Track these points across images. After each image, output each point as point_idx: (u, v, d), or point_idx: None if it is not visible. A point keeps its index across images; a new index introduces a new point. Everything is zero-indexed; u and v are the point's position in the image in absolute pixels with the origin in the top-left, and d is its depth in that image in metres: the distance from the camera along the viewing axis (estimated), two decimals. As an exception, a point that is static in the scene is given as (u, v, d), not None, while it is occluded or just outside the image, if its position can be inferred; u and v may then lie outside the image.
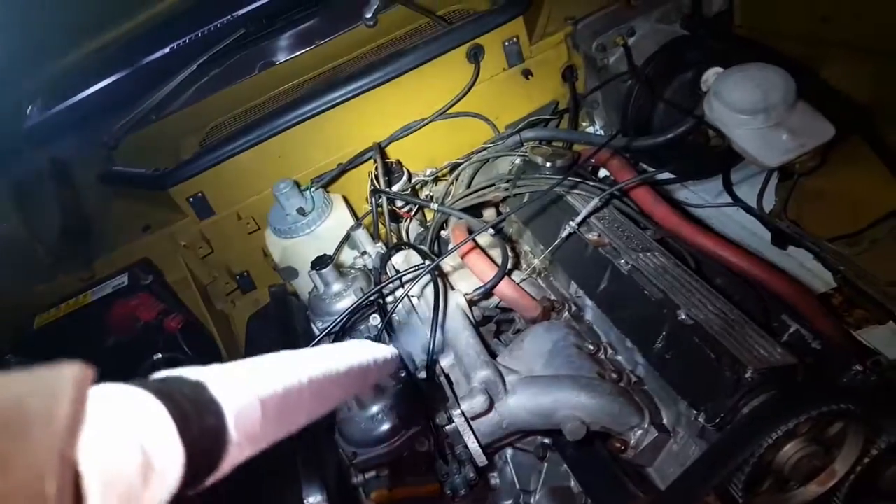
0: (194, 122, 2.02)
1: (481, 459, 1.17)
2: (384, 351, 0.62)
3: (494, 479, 1.34)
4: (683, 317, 1.10)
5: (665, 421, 1.15)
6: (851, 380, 1.11)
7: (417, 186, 1.88)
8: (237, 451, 0.38)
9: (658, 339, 1.14)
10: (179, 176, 1.73)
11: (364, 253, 1.58)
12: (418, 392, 1.16)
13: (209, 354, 1.65)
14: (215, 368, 0.40)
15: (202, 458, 0.35)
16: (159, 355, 1.38)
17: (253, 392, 0.41)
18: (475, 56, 1.81)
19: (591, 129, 2.01)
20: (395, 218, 1.85)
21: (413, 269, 1.33)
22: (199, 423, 0.35)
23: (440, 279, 1.41)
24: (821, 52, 1.70)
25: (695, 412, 1.05)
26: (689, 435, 1.10)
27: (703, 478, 0.92)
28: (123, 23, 1.79)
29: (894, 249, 1.32)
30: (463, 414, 1.13)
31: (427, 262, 1.30)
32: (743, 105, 1.38)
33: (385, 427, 1.13)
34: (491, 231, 1.47)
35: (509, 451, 1.33)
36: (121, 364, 1.44)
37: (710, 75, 1.54)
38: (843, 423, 0.98)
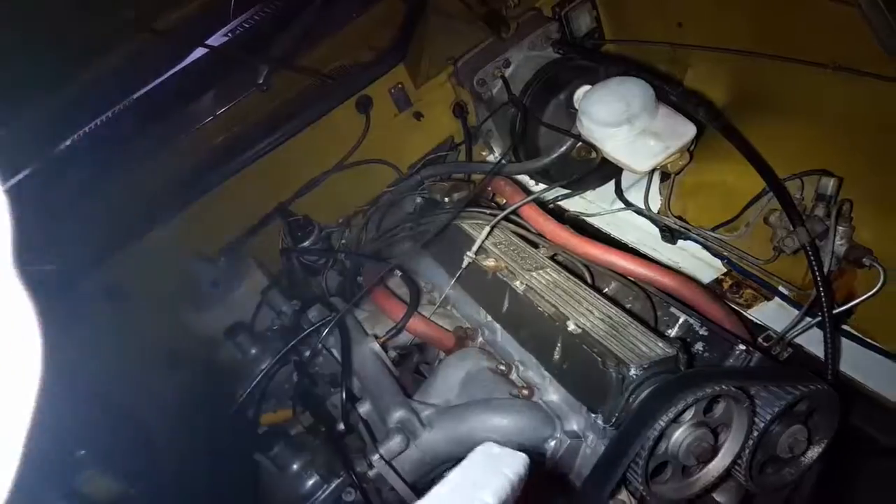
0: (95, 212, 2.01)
1: (410, 497, 1.20)
2: (516, 465, 0.53)
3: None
4: (572, 327, 1.16)
5: (576, 427, 1.20)
6: (736, 359, 1.18)
7: (331, 237, 1.93)
8: None
9: (555, 352, 1.20)
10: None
11: (280, 313, 1.60)
12: (337, 443, 1.18)
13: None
14: None
15: None
16: (83, 451, 1.36)
17: None
18: (364, 107, 1.88)
19: (491, 157, 2.09)
20: (313, 272, 1.88)
21: (320, 323, 1.36)
22: None
23: (353, 327, 1.45)
24: (681, 56, 1.83)
25: (593, 415, 1.11)
26: (596, 437, 1.15)
27: (602, 480, 0.97)
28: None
29: (765, 230, 1.43)
30: (382, 457, 1.15)
31: (332, 314, 1.34)
32: (608, 119, 1.47)
33: (308, 484, 1.15)
34: (398, 272, 1.52)
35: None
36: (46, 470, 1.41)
37: (580, 94, 1.64)
38: (726, 403, 1.05)
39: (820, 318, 1.30)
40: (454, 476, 0.51)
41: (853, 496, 1.32)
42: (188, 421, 1.42)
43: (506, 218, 1.57)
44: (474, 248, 1.43)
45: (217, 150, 2.08)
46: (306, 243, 1.79)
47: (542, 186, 1.95)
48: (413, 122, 1.96)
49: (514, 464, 0.53)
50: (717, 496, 1.22)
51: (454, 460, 1.30)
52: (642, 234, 1.72)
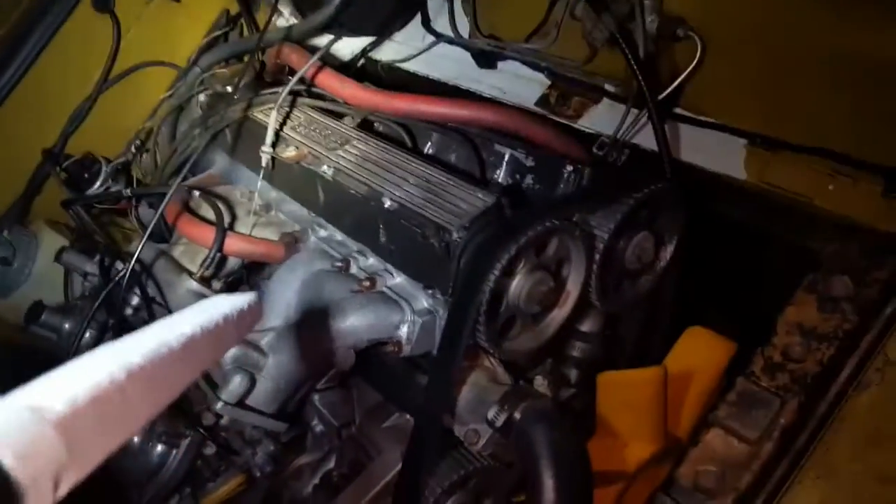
0: None
1: (278, 428, 1.11)
2: (238, 301, 0.49)
3: (318, 427, 1.30)
4: (388, 203, 1.03)
5: (426, 304, 1.11)
6: (566, 182, 1.10)
7: (128, 168, 1.65)
8: None
9: (379, 234, 1.07)
10: None
11: (86, 274, 1.38)
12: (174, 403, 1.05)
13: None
14: None
15: None
16: None
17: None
18: (103, 2, 1.52)
19: (281, 22, 1.80)
20: (121, 213, 1.63)
21: (118, 278, 1.16)
22: None
23: (164, 268, 1.27)
24: None
25: (430, 291, 1.01)
26: (445, 311, 1.07)
27: (448, 354, 0.90)
28: None
29: (576, 27, 1.28)
30: (227, 403, 1.04)
31: (127, 263, 1.15)
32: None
33: (154, 456, 1.03)
34: (196, 192, 1.32)
35: (316, 396, 1.28)
36: None
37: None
38: (557, 238, 0.97)
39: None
40: (163, 320, 0.44)
41: (717, 279, 1.33)
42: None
43: (301, 92, 1.36)
44: (267, 140, 1.23)
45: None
46: (96, 184, 1.52)
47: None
48: (171, 4, 1.63)
49: (231, 304, 0.48)
50: (581, 327, 1.20)
51: (317, 374, 1.21)
52: (461, 67, 1.54)
